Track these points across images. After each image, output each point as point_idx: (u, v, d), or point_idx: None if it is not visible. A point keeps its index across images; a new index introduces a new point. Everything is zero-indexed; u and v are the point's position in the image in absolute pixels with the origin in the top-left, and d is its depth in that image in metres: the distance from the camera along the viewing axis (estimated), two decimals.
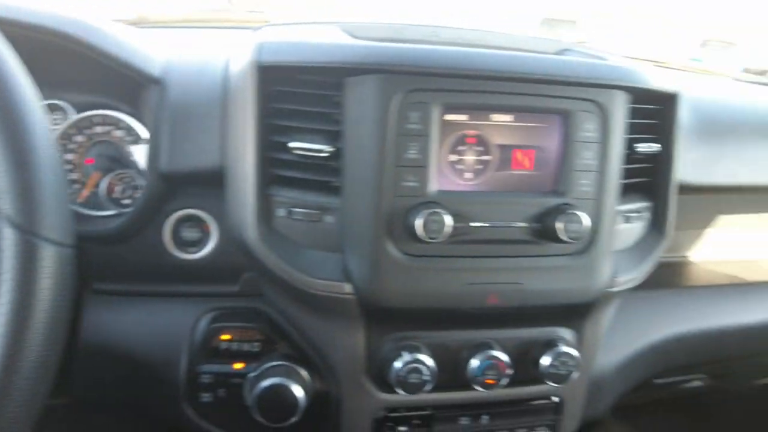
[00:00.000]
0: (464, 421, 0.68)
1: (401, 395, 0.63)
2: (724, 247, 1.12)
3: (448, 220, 0.56)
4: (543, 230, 0.60)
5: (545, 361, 0.64)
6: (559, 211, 0.59)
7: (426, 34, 0.73)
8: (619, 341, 0.76)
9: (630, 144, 0.67)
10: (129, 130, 0.70)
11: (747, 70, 1.23)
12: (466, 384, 0.64)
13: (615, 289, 0.66)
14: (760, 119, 0.85)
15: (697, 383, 0.99)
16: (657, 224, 0.71)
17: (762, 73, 1.27)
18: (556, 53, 0.75)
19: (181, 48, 0.75)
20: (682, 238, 1.06)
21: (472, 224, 0.59)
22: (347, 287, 0.60)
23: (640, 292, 0.81)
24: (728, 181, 0.79)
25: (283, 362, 0.65)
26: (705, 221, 1.07)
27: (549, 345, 0.65)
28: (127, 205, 0.69)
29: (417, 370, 0.60)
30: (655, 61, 1.28)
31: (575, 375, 0.65)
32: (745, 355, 0.91)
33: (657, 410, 1.56)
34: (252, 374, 0.65)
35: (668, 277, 0.95)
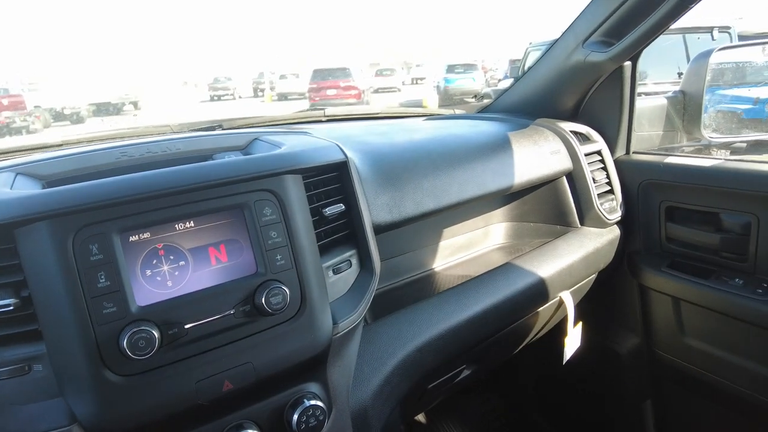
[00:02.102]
0: None
1: None
2: (461, 251, 1.35)
3: (155, 332, 0.60)
4: (253, 309, 0.67)
5: (295, 419, 0.71)
6: (264, 288, 0.67)
7: (113, 157, 0.76)
8: (370, 370, 0.87)
9: (319, 210, 0.79)
10: None
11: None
12: None
13: (340, 334, 0.76)
14: (431, 154, 1.06)
15: (465, 373, 1.16)
16: (365, 266, 0.85)
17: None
18: (244, 147, 0.86)
19: None
20: (422, 255, 1.25)
21: (186, 326, 0.64)
22: (76, 429, 0.59)
23: (380, 319, 0.95)
24: (417, 212, 0.97)
25: None
26: (436, 237, 1.28)
27: (296, 404, 0.72)
28: None
29: None
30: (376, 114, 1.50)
31: (328, 422, 0.73)
32: (484, 339, 1.10)
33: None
34: None
35: (412, 294, 1.12)
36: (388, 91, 22.33)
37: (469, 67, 16.56)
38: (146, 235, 0.63)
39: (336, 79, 16.37)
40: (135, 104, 23.32)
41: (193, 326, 0.64)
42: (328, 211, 0.80)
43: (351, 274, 0.83)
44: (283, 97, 22.29)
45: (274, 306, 0.66)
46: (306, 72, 18.78)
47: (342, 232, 0.83)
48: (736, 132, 1.51)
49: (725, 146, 1.61)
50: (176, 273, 0.64)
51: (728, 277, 1.23)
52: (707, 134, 1.47)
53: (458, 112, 1.60)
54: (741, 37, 5.92)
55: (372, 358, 0.88)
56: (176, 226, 0.64)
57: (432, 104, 14.11)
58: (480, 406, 1.88)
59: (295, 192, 0.73)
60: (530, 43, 9.06)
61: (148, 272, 0.63)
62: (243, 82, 29.81)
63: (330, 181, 0.83)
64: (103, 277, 0.59)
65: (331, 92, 16.21)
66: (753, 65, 1.90)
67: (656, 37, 1.18)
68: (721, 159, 1.30)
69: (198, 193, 0.65)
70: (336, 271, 0.80)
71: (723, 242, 1.24)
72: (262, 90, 26.36)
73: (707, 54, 1.42)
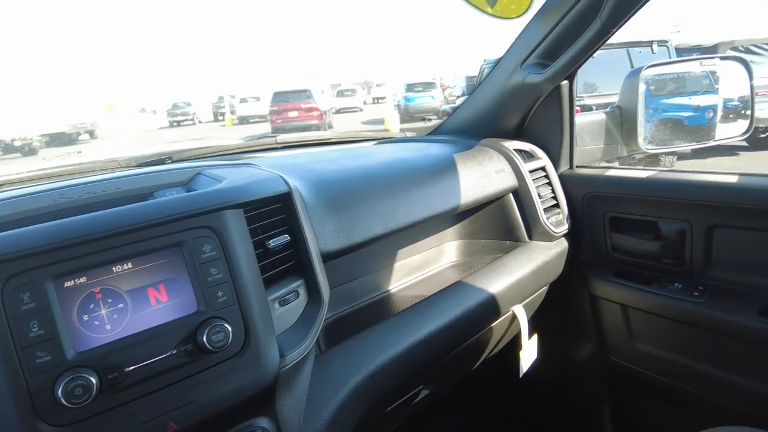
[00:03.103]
0: None
1: None
2: (416, 270, 1.37)
3: (93, 378, 0.58)
4: (195, 348, 0.67)
5: None
6: (205, 326, 0.67)
7: (51, 200, 0.75)
8: (323, 399, 0.86)
9: (263, 242, 0.80)
10: None
11: None
12: None
13: (288, 367, 0.76)
14: (379, 179, 1.09)
15: (424, 393, 1.17)
16: (313, 295, 0.85)
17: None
18: (186, 183, 0.86)
19: None
20: (378, 278, 1.27)
21: (127, 369, 0.63)
22: None
23: (333, 347, 0.95)
24: (367, 237, 0.98)
25: None
26: (391, 259, 1.29)
27: None
28: None
29: None
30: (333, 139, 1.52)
31: None
32: (439, 359, 1.11)
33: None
34: None
35: (368, 318, 1.13)
36: (350, 111, 22.51)
37: (427, 86, 16.92)
38: (82, 279, 0.62)
39: (297, 101, 16.35)
40: (91, 133, 22.70)
41: (133, 369, 0.63)
42: (272, 243, 0.80)
43: (299, 304, 0.84)
44: (244, 120, 22.16)
45: (215, 344, 0.66)
46: (267, 94, 18.73)
47: (288, 262, 0.84)
48: (670, 143, 1.59)
49: (665, 155, 1.69)
50: (115, 316, 0.63)
51: (669, 282, 1.29)
52: (644, 146, 1.55)
53: (409, 134, 1.64)
54: (678, 50, 6.28)
55: (324, 387, 0.88)
56: (113, 268, 0.64)
57: (393, 122, 14.28)
58: (443, 423, 1.89)
59: (235, 227, 0.73)
60: (485, 60, 9.32)
61: (86, 317, 0.62)
62: (203, 106, 29.53)
63: (274, 212, 0.83)
64: (35, 325, 0.58)
65: (292, 114, 16.16)
66: (692, 75, 2.02)
67: (587, 59, 1.24)
68: (656, 170, 1.37)
69: (135, 234, 0.65)
70: (283, 303, 0.81)
71: (662, 249, 1.30)
72: (223, 114, 26.14)
73: (637, 71, 1.50)
